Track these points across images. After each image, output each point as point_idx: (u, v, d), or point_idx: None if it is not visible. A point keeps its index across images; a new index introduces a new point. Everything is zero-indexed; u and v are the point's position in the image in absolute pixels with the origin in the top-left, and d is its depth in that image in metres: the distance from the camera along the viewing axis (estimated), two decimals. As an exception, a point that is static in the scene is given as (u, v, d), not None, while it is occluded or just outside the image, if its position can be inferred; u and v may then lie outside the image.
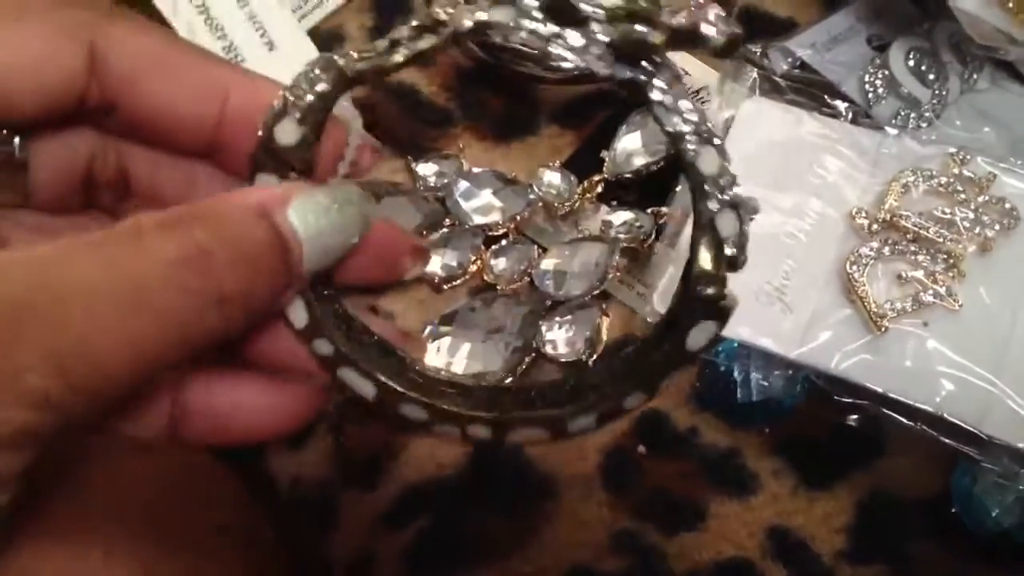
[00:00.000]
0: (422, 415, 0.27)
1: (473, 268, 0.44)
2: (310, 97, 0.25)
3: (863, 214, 0.41)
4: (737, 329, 0.39)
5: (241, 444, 0.30)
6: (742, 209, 0.25)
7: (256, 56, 0.49)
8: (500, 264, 0.44)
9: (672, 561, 0.38)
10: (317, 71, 0.25)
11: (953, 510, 0.38)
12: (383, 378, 0.27)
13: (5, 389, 0.20)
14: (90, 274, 0.21)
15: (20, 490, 0.22)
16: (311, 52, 0.50)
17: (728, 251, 0.25)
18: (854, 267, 0.40)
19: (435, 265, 0.44)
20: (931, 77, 0.46)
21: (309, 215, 0.25)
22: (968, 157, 0.42)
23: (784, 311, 0.40)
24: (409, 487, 0.40)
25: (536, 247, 0.44)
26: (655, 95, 0.24)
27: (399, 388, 0.27)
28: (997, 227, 0.40)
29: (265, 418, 0.29)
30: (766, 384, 0.40)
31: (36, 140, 0.29)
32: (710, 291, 0.25)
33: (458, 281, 0.44)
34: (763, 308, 0.40)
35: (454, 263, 0.44)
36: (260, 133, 0.26)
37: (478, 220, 0.44)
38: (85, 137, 0.30)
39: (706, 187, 0.25)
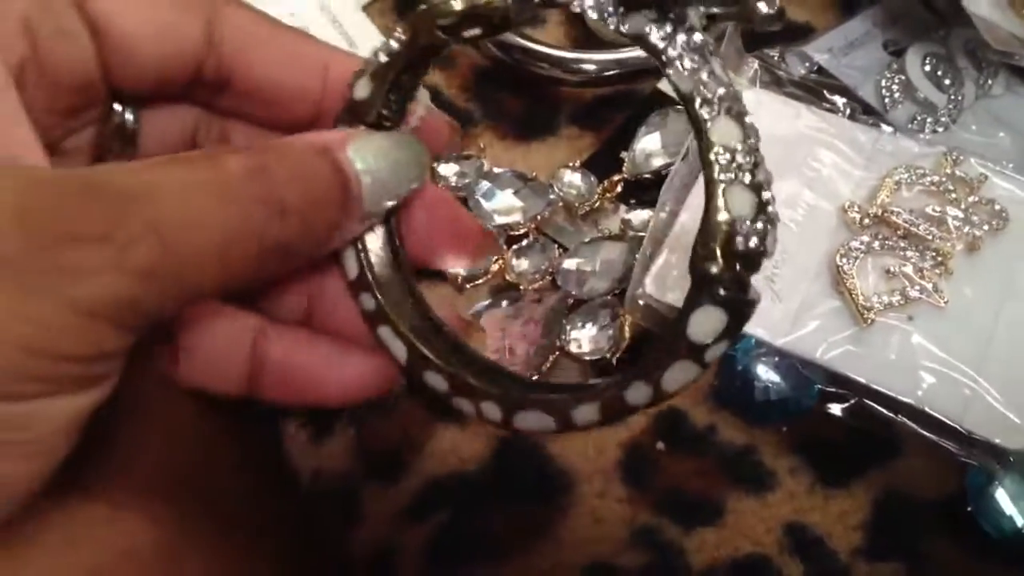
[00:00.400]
0: (443, 386, 0.27)
1: (495, 267, 0.44)
2: (383, 56, 0.28)
3: (855, 208, 0.42)
4: None
5: (314, 405, 0.31)
6: (764, 192, 0.23)
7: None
8: (522, 264, 0.44)
9: (690, 556, 0.39)
10: (397, 32, 0.27)
11: (968, 509, 0.38)
12: (416, 343, 0.28)
13: (115, 260, 0.22)
14: (180, 175, 0.24)
15: (118, 383, 0.24)
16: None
17: (739, 241, 0.23)
18: (844, 260, 0.40)
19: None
20: (947, 82, 0.47)
21: (368, 155, 0.27)
22: (961, 158, 0.43)
23: (774, 300, 0.41)
24: (431, 481, 0.40)
25: (557, 246, 0.45)
26: (672, 51, 0.24)
27: (428, 355, 0.28)
28: (986, 227, 0.41)
29: (338, 382, 0.30)
30: (783, 384, 0.40)
31: (147, 110, 0.31)
32: (713, 270, 0.23)
33: (480, 280, 0.44)
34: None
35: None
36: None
37: (499, 220, 0.45)
38: (192, 108, 0.31)
39: (712, 156, 0.23)
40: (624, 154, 0.46)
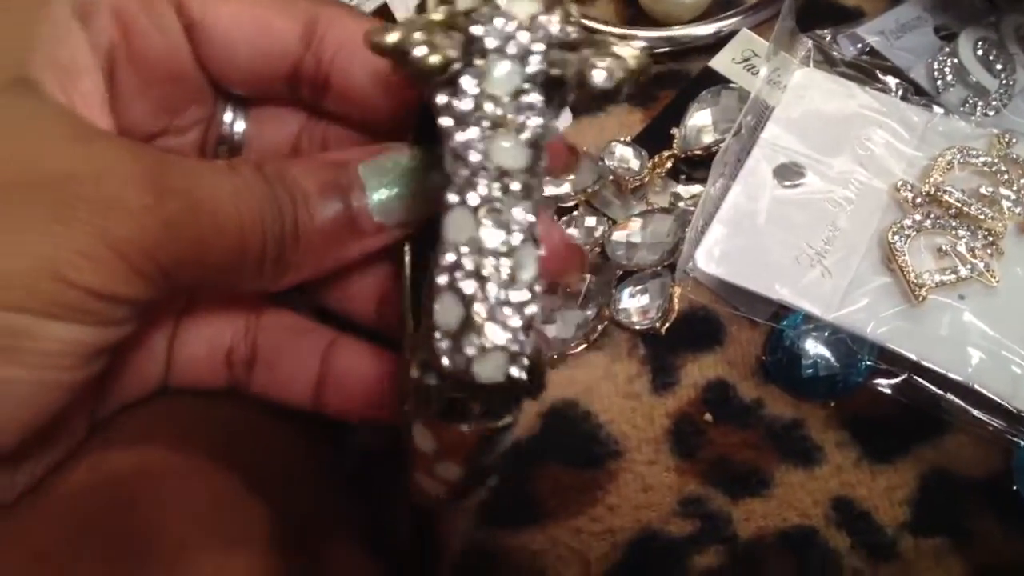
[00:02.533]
0: None
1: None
2: None
3: (907, 187, 0.42)
4: (778, 290, 0.41)
5: (372, 419, 0.32)
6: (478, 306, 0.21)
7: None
8: (572, 235, 0.45)
9: (738, 525, 0.39)
10: None
11: (1015, 488, 0.39)
12: None
13: (150, 206, 0.24)
14: (210, 166, 0.27)
15: (133, 332, 0.26)
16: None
17: (443, 359, 0.21)
18: (896, 237, 0.41)
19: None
20: (998, 67, 0.47)
21: (381, 173, 0.28)
22: (1014, 140, 0.43)
23: (824, 275, 0.41)
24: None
25: (607, 219, 0.45)
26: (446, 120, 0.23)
27: None
28: None
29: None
30: (831, 360, 0.40)
31: (252, 118, 0.33)
32: (429, 381, 0.21)
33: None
34: (803, 270, 0.41)
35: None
36: None
37: (549, 191, 0.45)
38: (296, 112, 0.33)
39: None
40: (675, 130, 0.46)
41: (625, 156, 0.46)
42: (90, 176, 0.24)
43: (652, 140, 0.47)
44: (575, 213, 0.45)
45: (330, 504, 0.37)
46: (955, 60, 0.47)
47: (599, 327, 0.42)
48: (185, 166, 0.26)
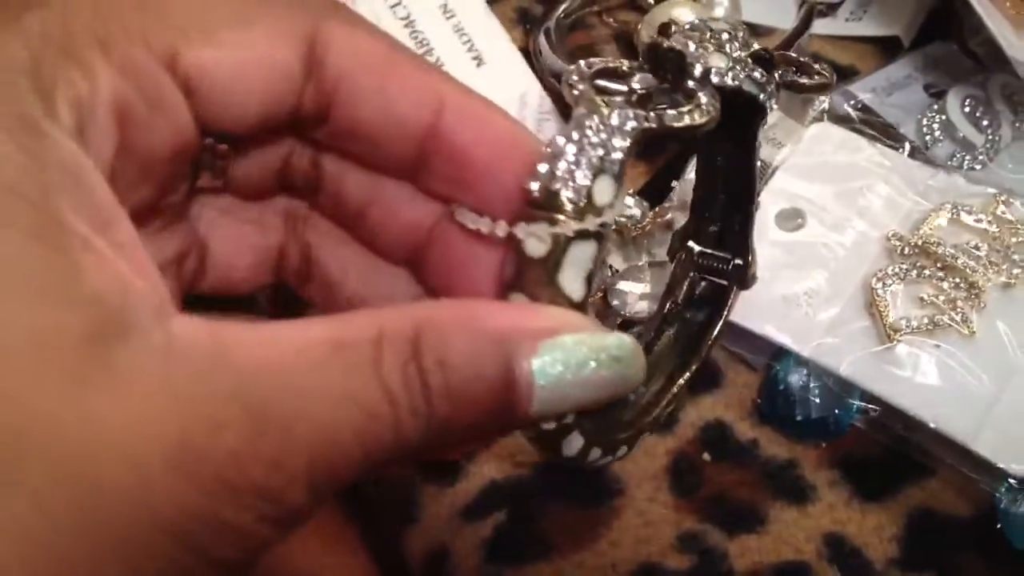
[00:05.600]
0: None
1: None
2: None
3: (897, 236, 0.44)
4: (763, 326, 0.43)
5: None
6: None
7: (463, 72, 0.48)
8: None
9: (734, 561, 0.41)
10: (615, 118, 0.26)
11: (999, 526, 0.40)
12: None
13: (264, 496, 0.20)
14: (323, 369, 0.21)
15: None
16: (522, 67, 0.51)
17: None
18: (879, 283, 0.43)
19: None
20: (985, 123, 0.49)
21: (558, 364, 0.23)
22: (1011, 201, 0.45)
23: (808, 315, 0.43)
24: (488, 483, 0.43)
25: (610, 267, 0.47)
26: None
27: None
28: None
29: None
30: (824, 403, 0.42)
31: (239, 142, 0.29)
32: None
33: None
34: (789, 309, 0.44)
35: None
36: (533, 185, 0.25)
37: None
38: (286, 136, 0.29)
39: None
40: (675, 183, 0.49)
41: (628, 206, 0.48)
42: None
43: (655, 192, 0.49)
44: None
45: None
46: (943, 116, 0.50)
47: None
48: (290, 397, 0.21)
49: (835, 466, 0.43)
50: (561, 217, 0.24)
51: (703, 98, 0.28)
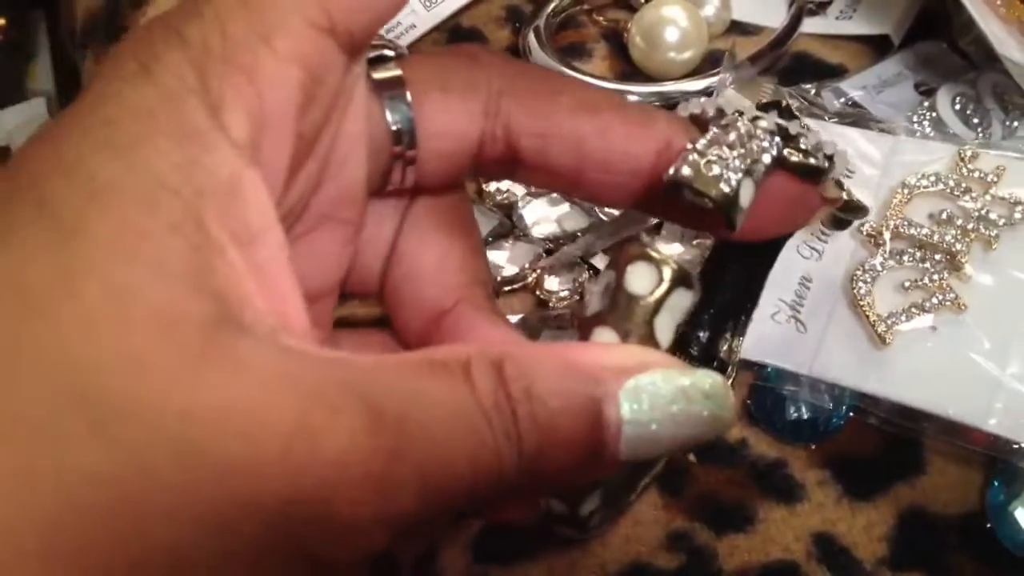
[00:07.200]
0: None
1: (531, 278, 0.47)
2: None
3: (869, 226, 0.43)
4: (756, 351, 0.43)
5: None
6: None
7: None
8: (553, 283, 0.47)
9: (723, 560, 0.40)
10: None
11: (988, 526, 0.40)
12: None
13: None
14: (432, 393, 0.21)
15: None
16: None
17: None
18: (859, 282, 0.42)
19: (497, 270, 0.47)
20: (975, 121, 0.49)
21: (644, 401, 0.22)
22: (977, 152, 0.44)
23: (799, 329, 0.43)
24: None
25: (588, 267, 0.47)
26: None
27: None
28: (1002, 222, 0.42)
29: None
30: (814, 404, 0.42)
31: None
32: None
33: (516, 284, 0.47)
34: (779, 328, 0.43)
35: (515, 270, 0.47)
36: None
37: (539, 231, 0.48)
38: (475, 121, 0.29)
39: None
40: (664, 183, 0.48)
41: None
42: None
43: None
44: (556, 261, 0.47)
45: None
46: (934, 114, 0.49)
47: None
48: (404, 415, 0.21)
49: (824, 465, 0.42)
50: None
51: (828, 148, 0.30)
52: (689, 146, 0.27)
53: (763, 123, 0.29)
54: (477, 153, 0.29)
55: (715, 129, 0.28)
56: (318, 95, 0.24)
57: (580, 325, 0.27)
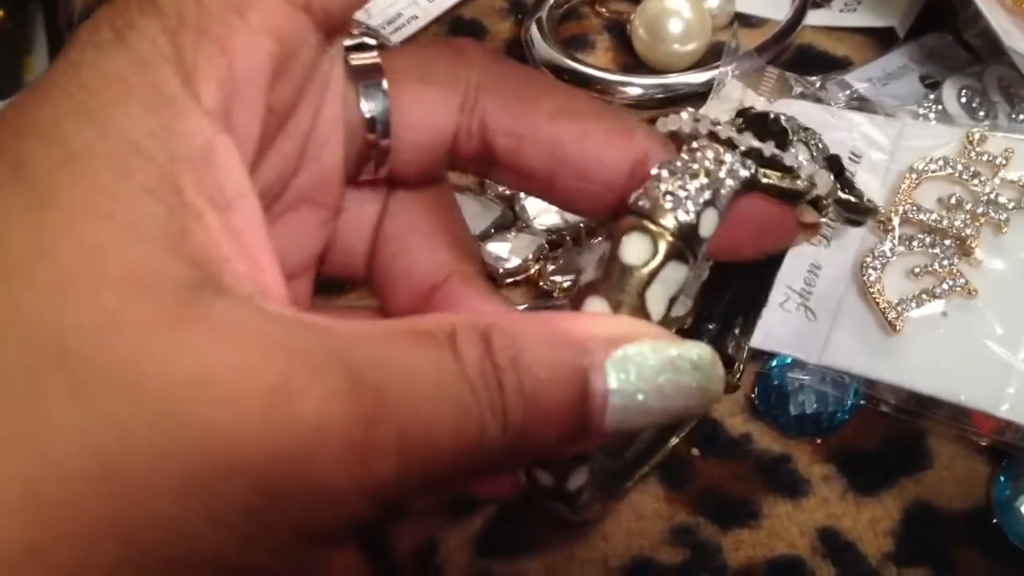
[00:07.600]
0: None
1: (534, 269, 0.47)
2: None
3: (880, 213, 0.43)
4: (766, 340, 0.42)
5: None
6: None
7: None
8: (556, 273, 0.46)
9: (727, 555, 0.40)
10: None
11: (995, 521, 0.40)
12: None
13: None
14: (417, 363, 0.21)
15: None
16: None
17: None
18: (869, 269, 0.42)
19: (500, 262, 0.47)
20: (981, 114, 0.49)
21: (631, 371, 0.22)
22: (985, 135, 0.43)
23: (809, 317, 0.42)
24: (478, 475, 0.42)
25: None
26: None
27: None
28: (1012, 206, 0.41)
29: None
30: (818, 398, 0.42)
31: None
32: None
33: (519, 276, 0.47)
34: (789, 316, 0.43)
35: (518, 261, 0.47)
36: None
37: (541, 223, 0.47)
38: (451, 115, 0.29)
39: None
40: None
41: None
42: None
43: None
44: (560, 251, 0.47)
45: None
46: (939, 107, 0.49)
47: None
48: (387, 381, 0.21)
49: (829, 460, 0.42)
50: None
51: (806, 171, 0.29)
52: (654, 172, 0.27)
53: (737, 144, 0.28)
54: (452, 148, 0.29)
55: (684, 156, 0.27)
56: (290, 69, 0.24)
57: (573, 294, 0.27)
